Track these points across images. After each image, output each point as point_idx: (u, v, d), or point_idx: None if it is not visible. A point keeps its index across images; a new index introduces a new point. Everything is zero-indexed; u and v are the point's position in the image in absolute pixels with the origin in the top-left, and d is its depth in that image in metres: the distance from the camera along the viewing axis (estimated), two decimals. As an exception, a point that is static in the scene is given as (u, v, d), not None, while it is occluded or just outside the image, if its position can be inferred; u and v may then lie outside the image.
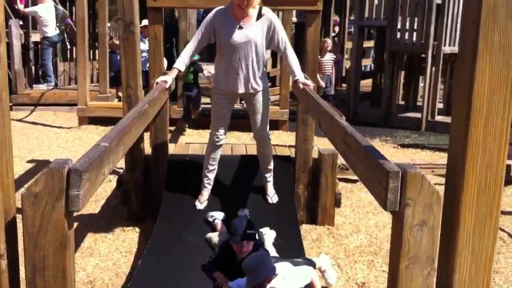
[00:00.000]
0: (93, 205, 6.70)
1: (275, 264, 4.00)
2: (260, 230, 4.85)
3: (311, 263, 4.40)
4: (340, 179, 7.18)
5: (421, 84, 13.27)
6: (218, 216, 5.13)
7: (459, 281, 2.33)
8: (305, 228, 5.82)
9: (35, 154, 8.99)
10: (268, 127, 5.37)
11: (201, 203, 5.31)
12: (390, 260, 2.39)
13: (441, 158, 9.32)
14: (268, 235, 4.84)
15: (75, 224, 5.97)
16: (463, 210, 2.30)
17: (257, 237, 4.61)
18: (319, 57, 11.31)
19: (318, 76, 11.24)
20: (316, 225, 5.89)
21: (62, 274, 2.27)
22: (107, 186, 7.30)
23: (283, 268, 3.96)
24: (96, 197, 6.97)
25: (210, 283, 4.21)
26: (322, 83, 11.28)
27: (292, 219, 5.28)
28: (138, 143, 5.57)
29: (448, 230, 2.34)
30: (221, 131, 5.26)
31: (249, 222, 4.32)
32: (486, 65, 2.19)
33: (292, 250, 4.75)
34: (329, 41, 11.77)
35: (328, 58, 11.58)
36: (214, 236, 4.82)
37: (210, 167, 5.35)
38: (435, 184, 7.32)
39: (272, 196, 5.47)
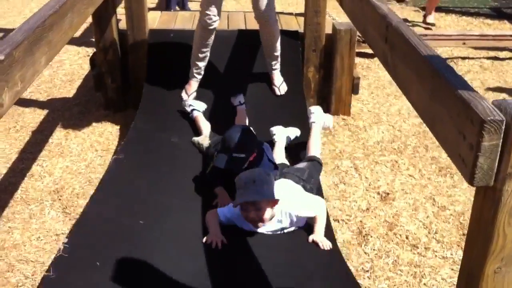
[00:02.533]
0: (67, 85, 5.74)
1: (280, 182, 3.14)
2: (271, 129, 3.96)
3: (317, 166, 3.58)
4: (356, 54, 6.11)
5: None
6: (197, 107, 4.17)
7: None
8: (315, 119, 4.89)
9: (3, 21, 7.84)
10: (275, 4, 4.26)
11: (188, 95, 4.33)
12: (466, 259, 1.48)
13: (469, 24, 8.15)
14: (280, 136, 3.93)
15: (45, 112, 5.07)
16: None
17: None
18: None
19: None
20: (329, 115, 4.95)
21: None
22: (85, 62, 6.27)
23: (289, 192, 3.12)
24: (72, 76, 5.99)
25: (193, 190, 3.47)
26: None
27: (300, 111, 4.34)
28: (109, 16, 4.48)
29: None
30: (214, 10, 4.12)
31: (244, 137, 3.41)
32: None
33: (299, 147, 3.89)
34: None
35: None
36: (202, 139, 3.91)
37: (200, 55, 4.29)
38: (466, 58, 6.30)
39: (280, 86, 4.47)
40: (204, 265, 2.75)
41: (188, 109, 4.15)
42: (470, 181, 1.32)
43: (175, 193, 3.36)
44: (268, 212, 2.91)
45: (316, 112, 4.00)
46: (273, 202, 2.93)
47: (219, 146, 3.53)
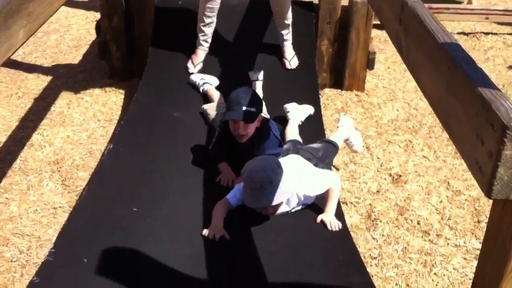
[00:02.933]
0: (73, 51, 5.59)
1: (289, 164, 2.97)
2: (285, 106, 3.75)
3: (332, 149, 3.37)
4: (373, 26, 5.86)
5: None
6: (209, 81, 3.98)
7: None
8: (327, 94, 4.70)
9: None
10: None
11: (194, 66, 4.15)
12: (480, 276, 1.31)
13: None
14: (293, 113, 3.73)
15: (48, 78, 4.92)
16: None
17: (265, 114, 3.53)
18: None
19: None
20: (341, 90, 4.75)
21: None
22: (93, 27, 6.08)
23: (298, 174, 2.93)
24: (79, 41, 5.83)
25: (195, 167, 3.28)
26: None
27: (311, 86, 4.14)
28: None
29: None
30: None
31: (250, 95, 3.19)
32: None
33: (309, 128, 3.69)
34: None
35: None
36: (210, 108, 3.72)
37: (207, 20, 4.08)
38: (489, 34, 6.04)
39: (291, 60, 4.26)
40: (205, 251, 2.60)
41: (200, 82, 3.97)
42: (488, 193, 1.14)
43: (175, 173, 3.20)
44: (282, 205, 2.78)
45: (345, 125, 3.63)
46: None
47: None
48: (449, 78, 1.36)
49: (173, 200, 2.97)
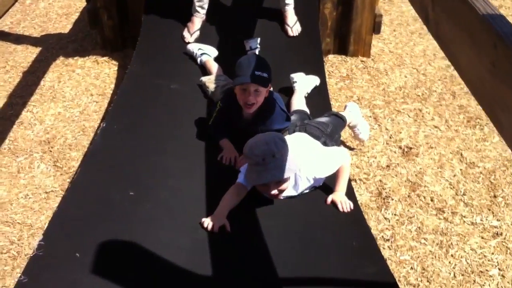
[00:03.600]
0: (63, 20, 5.32)
1: (295, 143, 2.74)
2: (291, 75, 3.52)
3: (341, 123, 3.14)
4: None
5: None
6: (208, 51, 3.73)
7: None
8: (332, 61, 4.46)
9: None
10: None
11: (191, 34, 3.88)
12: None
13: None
14: (300, 84, 3.49)
15: (38, 49, 4.67)
16: None
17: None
18: None
19: None
20: (346, 56, 4.51)
21: None
22: (84, -7, 5.81)
23: (306, 150, 2.71)
24: (69, 9, 5.56)
25: (195, 146, 3.04)
26: None
27: (315, 54, 3.90)
28: None
29: None
30: None
31: (260, 60, 2.96)
32: None
33: (314, 98, 3.47)
34: None
35: None
36: (209, 81, 3.47)
37: (203, -15, 3.82)
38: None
39: (293, 26, 3.99)
40: (208, 239, 2.39)
41: (197, 52, 3.71)
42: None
43: (174, 151, 2.97)
44: (287, 183, 2.54)
45: (353, 111, 3.39)
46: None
47: (225, 88, 3.16)
48: (495, 58, 1.14)
49: (172, 181, 2.75)
